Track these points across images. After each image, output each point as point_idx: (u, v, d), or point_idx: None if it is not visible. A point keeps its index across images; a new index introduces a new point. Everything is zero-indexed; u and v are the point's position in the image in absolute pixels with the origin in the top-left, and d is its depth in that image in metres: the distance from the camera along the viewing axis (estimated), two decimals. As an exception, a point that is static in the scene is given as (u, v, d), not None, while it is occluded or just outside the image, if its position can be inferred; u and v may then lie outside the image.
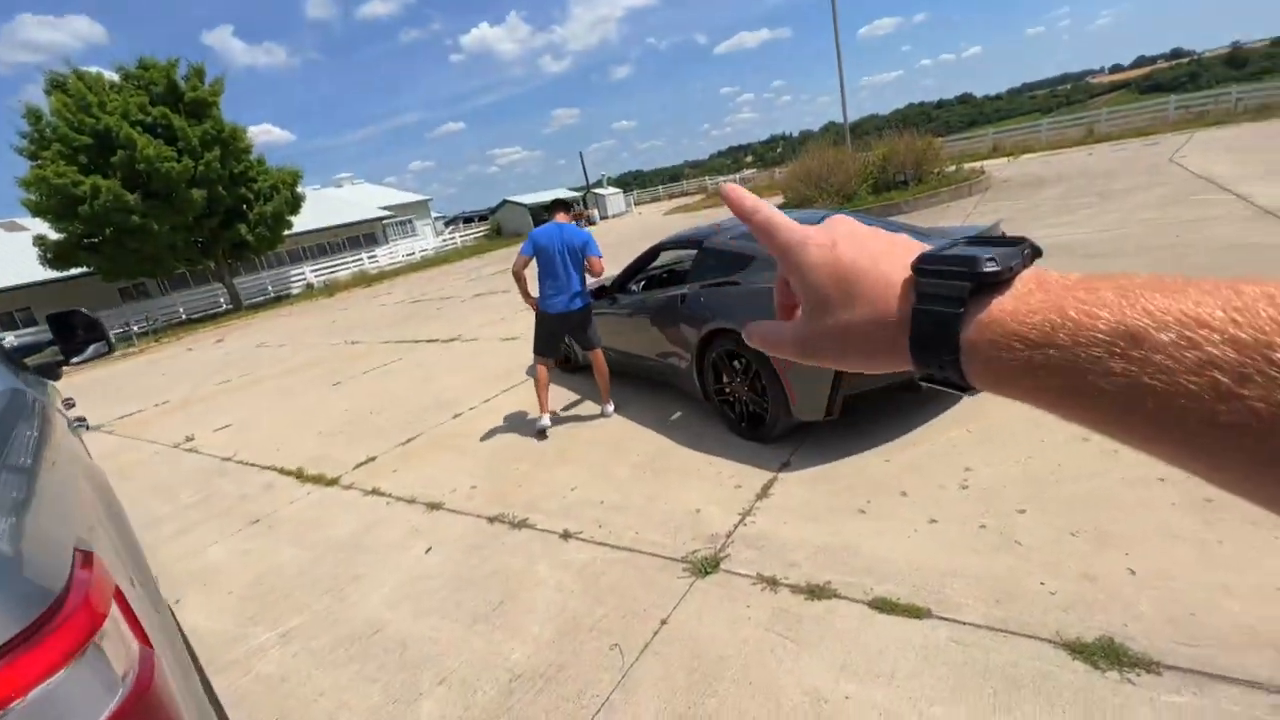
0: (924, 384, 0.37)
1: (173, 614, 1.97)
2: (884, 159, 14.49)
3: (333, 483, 4.47)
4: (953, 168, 15.24)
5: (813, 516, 2.85)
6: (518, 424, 4.86)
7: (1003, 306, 0.31)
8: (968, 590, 2.20)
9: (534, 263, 4.37)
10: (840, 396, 3.20)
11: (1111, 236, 6.96)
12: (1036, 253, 0.34)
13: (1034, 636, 1.95)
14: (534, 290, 4.53)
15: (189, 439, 6.49)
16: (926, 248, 0.37)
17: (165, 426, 7.36)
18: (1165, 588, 2.03)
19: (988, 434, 3.23)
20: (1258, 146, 11.82)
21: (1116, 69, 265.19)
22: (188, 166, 20.74)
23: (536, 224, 39.20)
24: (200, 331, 19.90)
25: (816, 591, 2.35)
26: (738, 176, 39.63)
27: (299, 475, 4.75)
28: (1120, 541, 2.27)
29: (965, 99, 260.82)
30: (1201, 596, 1.97)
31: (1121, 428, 0.27)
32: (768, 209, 0.44)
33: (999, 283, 0.32)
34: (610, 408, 4.63)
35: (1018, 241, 0.34)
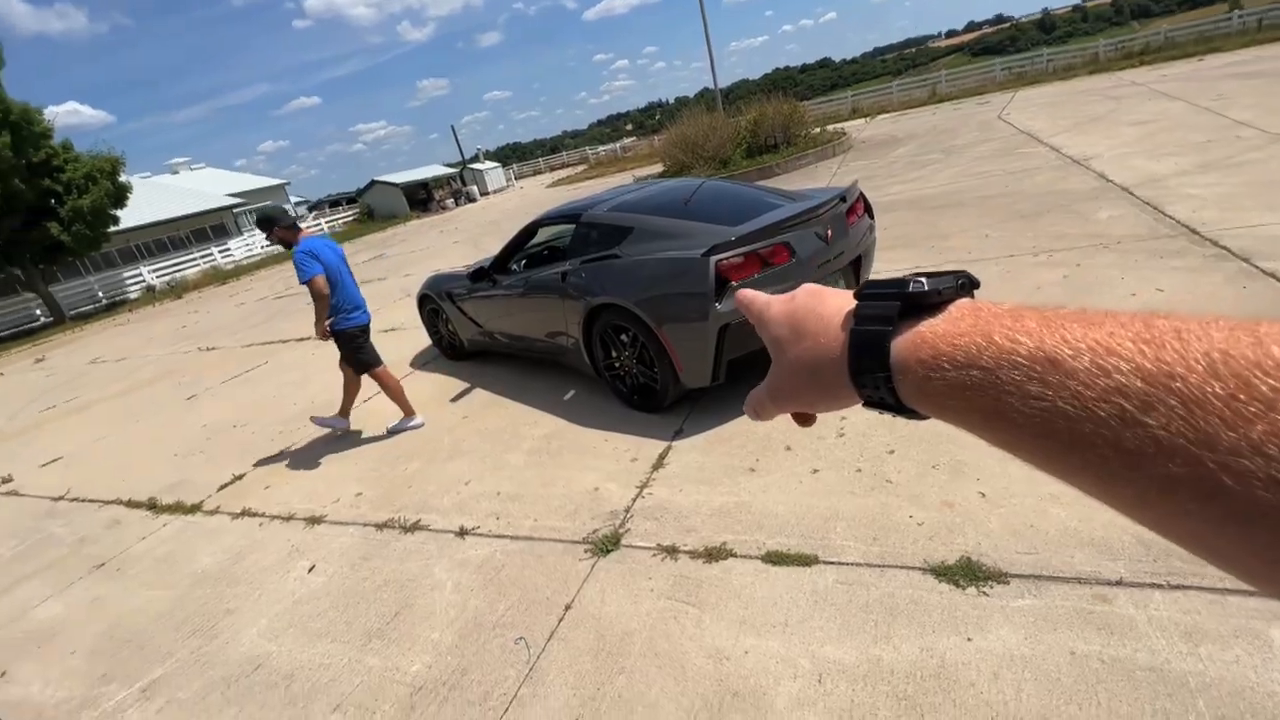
0: (869, 409, 0.38)
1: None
2: (755, 124, 14.90)
3: (193, 510, 4.01)
4: (818, 130, 15.99)
5: (707, 480, 2.93)
6: (405, 420, 4.58)
7: (934, 329, 0.33)
8: (849, 532, 2.37)
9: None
10: (725, 361, 3.29)
11: (956, 189, 7.65)
12: (973, 284, 0.36)
13: (906, 566, 2.13)
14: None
15: (5, 480, 5.55)
16: None
17: (-27, 469, 6.24)
18: (1009, 505, 2.29)
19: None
20: (1064, 104, 13.42)
21: (952, 34, 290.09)
22: (-36, 157, 17.30)
23: (411, 204, 36.26)
24: (13, 351, 16.94)
25: (714, 554, 2.42)
26: (618, 145, 39.36)
27: (152, 506, 4.21)
28: (972, 469, 2.53)
29: (825, 63, 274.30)
30: (1036, 508, 2.24)
31: (1040, 452, 0.28)
32: (743, 293, 0.51)
33: (929, 305, 0.34)
34: (416, 421, 4.44)
35: (956, 274, 0.36)
